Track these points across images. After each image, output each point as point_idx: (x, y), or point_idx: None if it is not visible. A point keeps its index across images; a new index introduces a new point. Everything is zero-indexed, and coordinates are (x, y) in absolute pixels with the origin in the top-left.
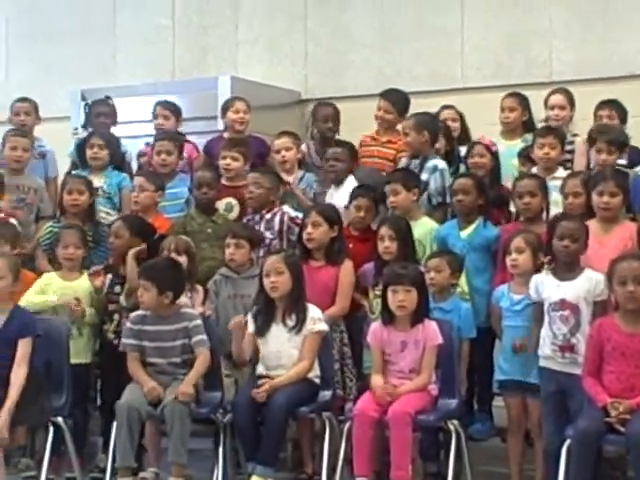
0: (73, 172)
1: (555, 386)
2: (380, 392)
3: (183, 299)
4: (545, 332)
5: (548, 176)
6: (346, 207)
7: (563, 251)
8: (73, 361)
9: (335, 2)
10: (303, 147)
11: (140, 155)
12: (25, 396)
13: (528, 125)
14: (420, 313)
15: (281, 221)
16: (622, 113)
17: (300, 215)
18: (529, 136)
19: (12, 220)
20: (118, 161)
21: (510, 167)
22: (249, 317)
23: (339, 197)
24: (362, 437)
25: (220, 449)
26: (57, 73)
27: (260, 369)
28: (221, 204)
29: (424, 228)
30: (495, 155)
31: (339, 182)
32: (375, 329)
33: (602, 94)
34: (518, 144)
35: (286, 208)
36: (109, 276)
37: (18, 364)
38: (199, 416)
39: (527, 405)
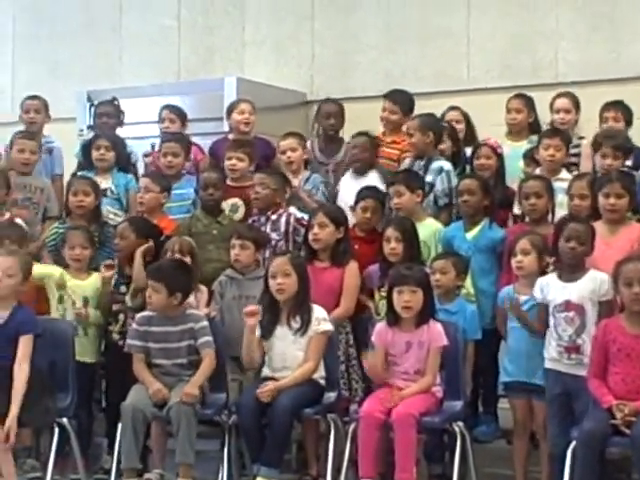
0: (79, 173)
1: (561, 388)
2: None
3: (188, 300)
4: (550, 334)
5: (552, 177)
6: (352, 208)
7: (569, 253)
8: (78, 359)
9: (341, 4)
10: (308, 144)
11: (146, 155)
12: (30, 397)
13: (534, 127)
14: (425, 314)
15: (287, 222)
16: (628, 115)
17: (306, 216)
18: (535, 137)
19: (18, 220)
20: (124, 162)
21: (516, 168)
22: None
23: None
24: (367, 439)
25: (225, 450)
26: (63, 74)
27: (265, 371)
28: (226, 205)
29: (429, 229)
30: (500, 157)
31: (362, 172)
32: (380, 329)
33: (608, 95)
34: (524, 145)
35: (292, 209)
36: (115, 276)
37: (19, 363)
38: (204, 417)
39: (533, 407)
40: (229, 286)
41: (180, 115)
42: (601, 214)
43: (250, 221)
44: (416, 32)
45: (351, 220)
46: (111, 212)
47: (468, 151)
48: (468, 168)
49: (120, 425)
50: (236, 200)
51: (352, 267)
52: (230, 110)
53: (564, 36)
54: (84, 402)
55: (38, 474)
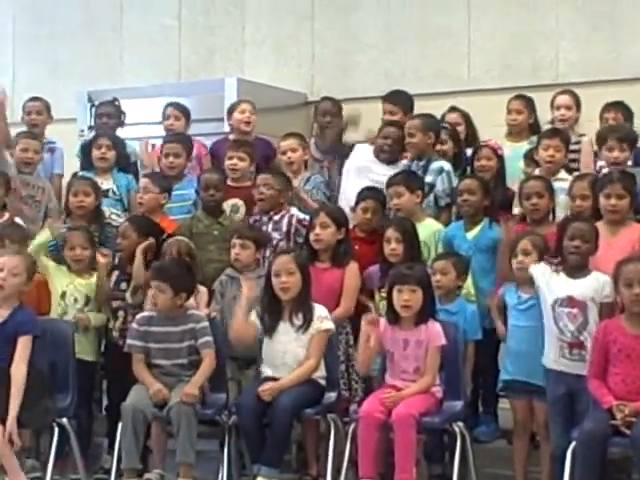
0: (79, 174)
1: (564, 388)
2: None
3: (188, 301)
4: (549, 329)
5: (551, 178)
6: (352, 209)
7: (574, 251)
8: (78, 357)
9: (342, 3)
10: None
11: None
12: (29, 398)
13: (534, 127)
14: (425, 313)
15: (289, 223)
16: (628, 115)
17: (308, 217)
18: (535, 138)
19: (18, 220)
20: (123, 162)
21: (516, 169)
22: (253, 315)
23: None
24: (368, 439)
25: (225, 450)
26: (63, 74)
27: (266, 371)
28: (227, 205)
29: (428, 230)
30: (501, 158)
31: (391, 161)
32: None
33: (608, 96)
34: (524, 146)
35: (294, 210)
36: (115, 273)
37: (17, 364)
38: (204, 417)
39: (533, 407)
40: (229, 285)
41: (184, 112)
42: (602, 215)
43: (252, 220)
44: (416, 32)
45: (351, 221)
46: (113, 213)
47: (469, 152)
48: (469, 169)
49: (120, 425)
50: (237, 200)
51: (352, 268)
52: (231, 110)
53: (564, 36)
54: (84, 402)
55: (38, 474)
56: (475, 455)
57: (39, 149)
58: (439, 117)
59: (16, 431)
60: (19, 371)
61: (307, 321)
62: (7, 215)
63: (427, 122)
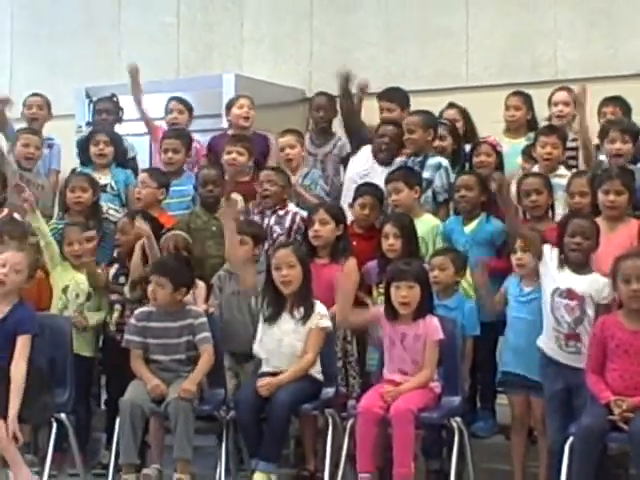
0: (77, 169)
1: (562, 383)
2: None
3: (187, 296)
4: (547, 317)
5: (550, 175)
6: (350, 205)
7: (575, 248)
8: (76, 352)
9: (341, 1)
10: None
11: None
12: (28, 394)
13: (532, 124)
14: (423, 309)
15: (293, 220)
16: (626, 110)
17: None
18: (533, 135)
19: (16, 216)
20: (121, 158)
21: (514, 166)
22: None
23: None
24: (366, 434)
25: (223, 446)
26: (62, 71)
27: (264, 367)
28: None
29: (426, 225)
30: (499, 154)
31: (388, 162)
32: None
33: (607, 93)
34: (522, 143)
35: (297, 209)
36: (115, 266)
37: (16, 362)
38: (202, 413)
39: (530, 403)
40: (228, 281)
41: (187, 106)
42: (600, 211)
43: (256, 211)
44: (415, 30)
45: (349, 217)
46: (111, 208)
47: (467, 148)
48: (467, 165)
49: (118, 420)
50: (235, 195)
51: (351, 264)
52: (229, 105)
53: (562, 34)
54: (82, 397)
55: (35, 469)
56: (473, 450)
57: (40, 145)
58: (437, 114)
59: (17, 429)
60: (19, 370)
61: (307, 315)
62: (6, 211)
63: (427, 119)
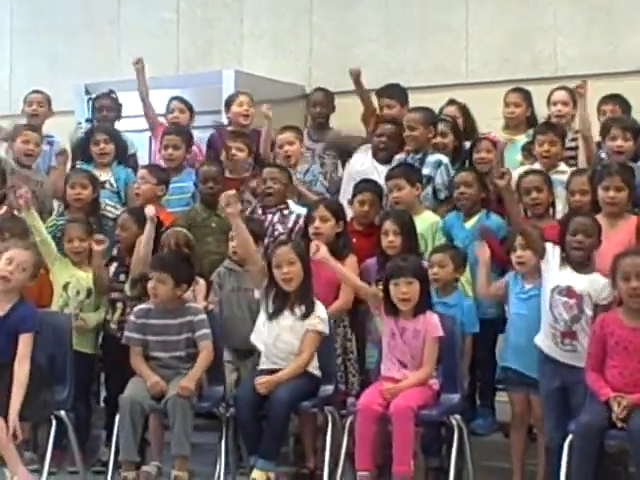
0: (77, 166)
1: (559, 381)
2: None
3: (187, 293)
4: (545, 313)
5: (550, 171)
6: (350, 202)
7: (577, 246)
8: (76, 349)
9: None
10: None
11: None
12: (28, 392)
13: (531, 120)
14: (422, 305)
15: (296, 222)
16: (626, 108)
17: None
18: (532, 131)
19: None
20: (122, 153)
21: (513, 162)
22: None
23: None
24: (365, 431)
25: (222, 443)
26: (61, 67)
27: (263, 363)
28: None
29: (426, 222)
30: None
31: (387, 161)
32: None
33: (607, 89)
34: (522, 139)
35: (300, 209)
36: (114, 264)
37: (19, 362)
38: (201, 410)
39: (530, 400)
40: (227, 278)
41: (189, 106)
42: (601, 208)
43: (260, 208)
44: (415, 26)
45: (349, 214)
46: (109, 205)
47: (467, 145)
48: (468, 162)
49: (118, 418)
50: (234, 192)
51: (351, 260)
52: (229, 102)
53: (562, 30)
54: (82, 395)
55: (35, 467)
56: (472, 448)
57: (39, 142)
58: (437, 110)
59: (18, 427)
60: (22, 370)
61: (307, 313)
62: (5, 208)
63: (428, 116)
